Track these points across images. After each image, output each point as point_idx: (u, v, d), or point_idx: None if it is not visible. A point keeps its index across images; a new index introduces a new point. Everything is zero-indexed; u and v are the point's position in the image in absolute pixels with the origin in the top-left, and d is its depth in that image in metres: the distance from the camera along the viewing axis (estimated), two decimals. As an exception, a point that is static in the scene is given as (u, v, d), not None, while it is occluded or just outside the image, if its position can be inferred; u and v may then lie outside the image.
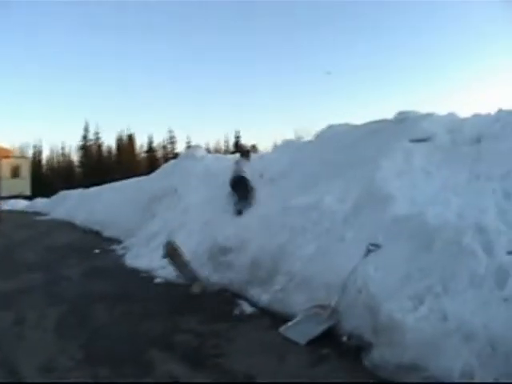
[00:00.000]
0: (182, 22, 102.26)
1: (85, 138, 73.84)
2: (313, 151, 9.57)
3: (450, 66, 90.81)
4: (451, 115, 8.08)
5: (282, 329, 5.45)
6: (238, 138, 73.24)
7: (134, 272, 9.25)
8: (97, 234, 16.06)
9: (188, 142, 70.17)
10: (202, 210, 10.34)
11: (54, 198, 32.89)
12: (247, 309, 6.39)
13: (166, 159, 64.05)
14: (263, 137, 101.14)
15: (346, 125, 9.91)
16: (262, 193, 9.26)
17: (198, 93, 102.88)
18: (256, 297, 6.56)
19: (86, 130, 73.01)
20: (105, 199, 19.26)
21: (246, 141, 65.32)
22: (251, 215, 8.54)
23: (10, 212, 30.85)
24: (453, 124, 7.67)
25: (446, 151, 7.06)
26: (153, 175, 16.52)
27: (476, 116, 7.81)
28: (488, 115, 7.61)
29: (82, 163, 74.30)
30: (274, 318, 5.92)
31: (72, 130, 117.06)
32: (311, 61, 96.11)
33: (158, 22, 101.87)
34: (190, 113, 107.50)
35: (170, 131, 75.84)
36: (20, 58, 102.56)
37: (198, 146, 14.34)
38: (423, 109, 8.77)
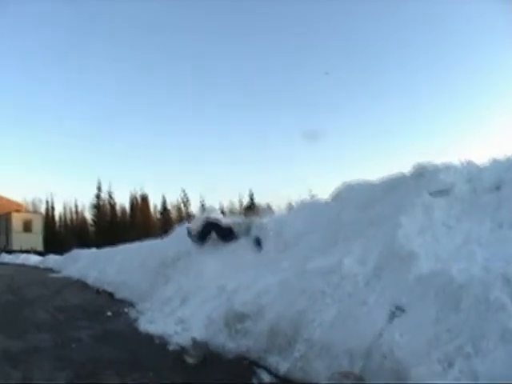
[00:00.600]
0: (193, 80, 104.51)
1: (98, 197, 74.85)
2: (329, 211, 9.49)
3: (460, 109, 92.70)
4: (469, 164, 7.86)
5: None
6: (251, 197, 73.32)
7: (148, 337, 9.06)
8: (109, 295, 15.84)
9: (201, 202, 70.72)
10: (217, 274, 10.31)
11: (66, 255, 32.49)
12: (266, 377, 6.24)
13: (180, 220, 64.57)
14: (277, 196, 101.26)
15: (363, 182, 9.72)
16: (278, 256, 9.26)
17: (211, 151, 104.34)
18: (275, 365, 6.42)
19: (99, 188, 74.08)
20: (118, 260, 19.14)
21: (260, 200, 65.81)
22: (266, 279, 8.47)
23: (22, 266, 30.82)
24: (471, 172, 7.53)
25: (465, 202, 6.98)
26: (166, 239, 16.52)
27: (494, 162, 7.62)
28: (507, 160, 7.45)
29: (95, 222, 75.03)
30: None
31: (85, 185, 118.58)
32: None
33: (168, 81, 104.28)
34: (203, 172, 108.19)
35: (184, 191, 76.24)
36: (33, 112, 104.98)
37: (212, 208, 14.43)
38: (436, 157, 8.70)
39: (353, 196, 9.32)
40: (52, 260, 34.87)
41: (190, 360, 7.12)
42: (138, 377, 6.52)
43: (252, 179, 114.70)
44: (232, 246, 11.41)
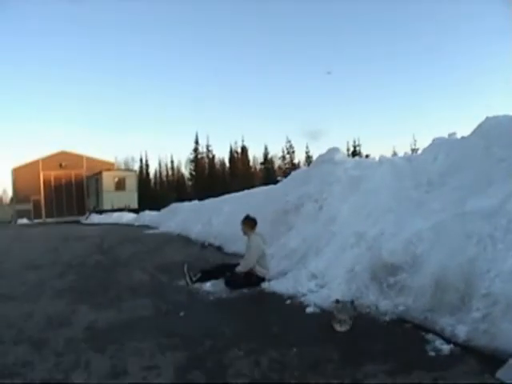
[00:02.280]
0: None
1: (195, 150, 75.99)
2: (475, 148, 8.52)
3: None
4: None
5: (499, 373, 4.38)
6: (356, 146, 72.32)
7: (276, 298, 8.18)
8: (217, 249, 15.43)
9: (307, 152, 70.57)
10: (353, 220, 9.38)
11: (163, 210, 33.03)
12: (443, 347, 5.25)
13: (285, 170, 64.67)
14: (381, 146, 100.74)
15: (508, 116, 8.74)
16: (423, 197, 8.41)
17: (317, 100, 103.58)
18: (449, 329, 5.49)
19: (197, 142, 75.26)
20: (226, 211, 18.65)
21: (363, 149, 64.81)
22: (415, 224, 7.49)
23: (114, 225, 31.53)
24: None
25: None
26: (281, 184, 15.75)
27: None
28: None
29: (193, 176, 76.32)
30: (482, 356, 4.85)
31: (180, 141, 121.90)
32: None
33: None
34: (308, 121, 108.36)
35: (288, 141, 76.13)
36: (130, 70, 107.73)
37: (336, 149, 13.31)
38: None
39: (501, 132, 8.32)
40: (148, 216, 35.44)
41: (338, 327, 6.18)
42: (277, 356, 5.46)
43: (356, 128, 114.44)
44: (366, 185, 10.33)
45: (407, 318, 6.17)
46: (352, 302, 6.57)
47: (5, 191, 66.30)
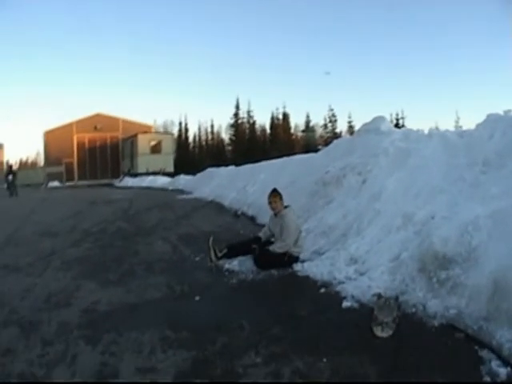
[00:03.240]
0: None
1: (236, 115, 76.36)
2: None
3: None
4: None
5: None
6: (399, 119, 71.16)
7: (308, 284, 7.25)
8: (250, 219, 14.61)
9: (350, 122, 70.00)
10: (399, 198, 8.49)
11: (199, 175, 32.56)
12: (500, 370, 4.25)
13: (326, 139, 63.85)
14: (423, 122, 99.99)
15: None
16: (480, 178, 7.42)
17: (361, 69, 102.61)
18: (507, 347, 4.48)
19: (238, 107, 75.55)
20: (261, 179, 18.03)
21: (409, 124, 63.63)
22: (471, 208, 6.50)
23: (146, 188, 31.41)
24: None
25: None
26: (323, 152, 14.91)
27: None
28: None
29: (233, 141, 76.80)
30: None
31: (222, 106, 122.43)
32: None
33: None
34: (351, 90, 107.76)
35: (331, 109, 75.54)
36: (168, 33, 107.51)
37: (382, 118, 12.36)
38: None
39: None
40: (183, 181, 35.27)
41: (380, 331, 5.22)
42: (303, 367, 4.57)
43: (400, 102, 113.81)
44: (415, 159, 9.42)
45: (459, 324, 5.17)
46: (396, 299, 5.73)
47: (39, 154, 66.72)
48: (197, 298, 6.73)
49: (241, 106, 77.56)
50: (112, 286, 7.48)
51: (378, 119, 12.32)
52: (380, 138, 11.18)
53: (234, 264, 8.45)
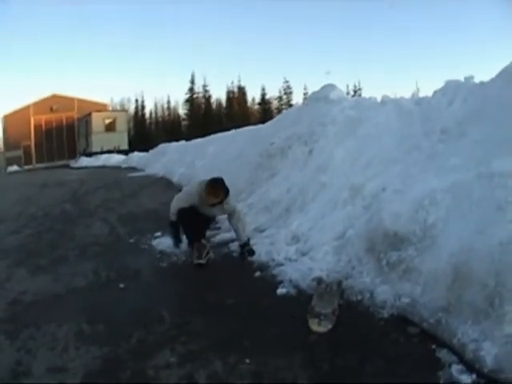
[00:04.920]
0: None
1: (191, 90, 77.01)
2: (500, 95, 6.56)
3: None
4: None
5: None
6: (356, 91, 71.28)
7: (242, 266, 6.65)
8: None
9: (305, 94, 69.93)
10: (348, 169, 7.73)
11: (152, 152, 32.12)
12: (462, 377, 3.40)
13: (281, 111, 63.36)
14: (383, 92, 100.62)
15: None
16: (437, 148, 6.58)
17: (315, 38, 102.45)
18: (470, 348, 3.62)
19: (193, 82, 76.06)
20: (210, 152, 17.59)
21: (366, 94, 63.51)
22: (427, 181, 5.62)
23: (100, 168, 31.32)
24: None
25: None
26: (271, 123, 14.10)
27: None
28: None
29: (189, 116, 77.22)
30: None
31: (178, 84, 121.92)
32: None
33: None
34: (306, 61, 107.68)
35: (286, 81, 75.96)
36: (121, 10, 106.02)
37: (332, 85, 11.61)
38: None
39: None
40: (136, 158, 35.06)
41: (316, 325, 4.43)
42: (221, 369, 3.96)
43: (357, 74, 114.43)
44: (366, 128, 8.64)
45: (413, 316, 4.34)
46: (339, 284, 5.01)
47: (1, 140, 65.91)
48: (121, 285, 6.28)
49: (196, 81, 78.09)
50: (42, 274, 7.17)
51: (328, 87, 11.51)
52: (329, 107, 10.36)
53: (167, 244, 7.90)
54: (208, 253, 6.98)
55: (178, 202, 7.16)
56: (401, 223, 5.11)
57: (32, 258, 8.17)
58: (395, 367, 3.68)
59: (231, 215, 7.05)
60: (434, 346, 3.87)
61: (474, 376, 3.39)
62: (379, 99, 9.90)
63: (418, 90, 68.70)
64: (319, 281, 4.96)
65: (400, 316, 4.44)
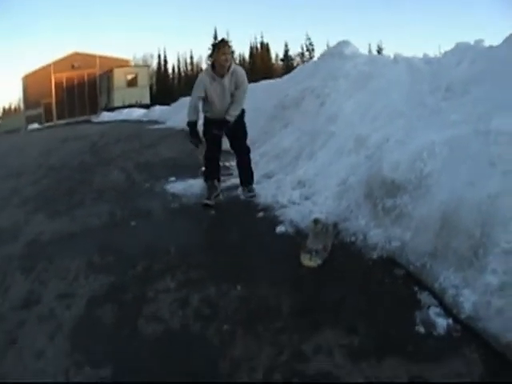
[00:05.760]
0: None
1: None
2: (506, 59, 6.63)
3: None
4: None
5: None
6: (379, 51, 70.05)
7: (248, 208, 6.86)
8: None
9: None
10: (356, 121, 7.83)
11: (174, 105, 31.95)
12: (438, 320, 3.54)
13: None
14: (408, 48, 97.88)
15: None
16: (440, 105, 6.58)
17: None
18: (450, 293, 3.75)
19: (215, 37, 74.68)
20: None
21: (389, 51, 62.36)
22: (427, 134, 5.67)
23: (121, 122, 31.67)
24: None
25: None
26: (287, 77, 14.34)
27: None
28: None
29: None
30: (487, 345, 3.21)
31: (201, 38, 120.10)
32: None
33: None
34: (329, 18, 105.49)
35: (308, 38, 74.45)
36: None
37: (346, 42, 11.64)
38: None
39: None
40: (158, 111, 34.61)
41: (307, 260, 4.66)
42: (214, 295, 4.34)
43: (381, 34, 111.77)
44: (377, 83, 8.71)
45: (401, 259, 4.49)
46: (335, 226, 5.25)
47: (21, 100, 65.48)
48: (133, 223, 6.71)
49: (219, 37, 75.83)
50: (59, 217, 7.58)
51: (343, 43, 11.63)
52: (343, 62, 10.46)
53: (180, 188, 8.31)
54: (218, 195, 7.23)
55: (193, 93, 7.22)
56: (399, 172, 5.23)
57: (50, 204, 8.51)
58: (376, 305, 3.85)
59: (237, 89, 7.14)
60: (416, 289, 4.01)
61: (450, 320, 3.51)
62: (403, 57, 9.98)
63: (440, 53, 67.50)
64: (316, 221, 5.08)
65: (389, 258, 4.59)
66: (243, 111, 7.39)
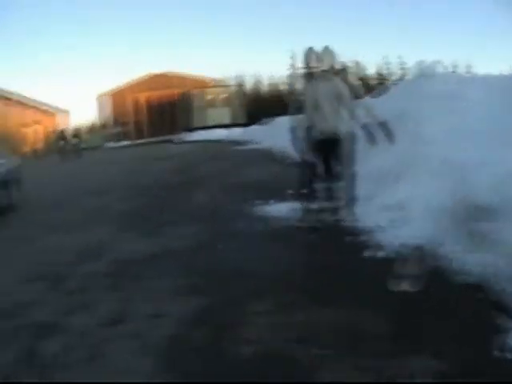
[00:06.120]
0: None
1: (292, 66, 74.79)
2: None
3: None
4: None
5: None
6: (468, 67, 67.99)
7: (345, 232, 6.62)
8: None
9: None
10: (445, 142, 7.61)
11: (259, 126, 31.95)
12: None
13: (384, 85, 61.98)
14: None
15: None
16: None
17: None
18: None
19: (293, 58, 73.63)
20: None
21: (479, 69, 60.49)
22: None
23: (204, 142, 31.99)
24: None
25: None
26: (382, 97, 13.85)
27: None
28: None
29: (292, 91, 75.21)
30: None
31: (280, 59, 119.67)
32: None
33: None
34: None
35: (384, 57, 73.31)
36: None
37: (436, 62, 11.62)
38: None
39: None
40: (242, 132, 34.92)
41: (396, 287, 4.48)
42: (303, 319, 4.20)
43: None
44: (465, 105, 8.51)
45: (493, 286, 4.24)
46: (424, 250, 5.15)
47: (99, 117, 67.20)
48: (220, 245, 6.68)
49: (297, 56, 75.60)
50: (144, 237, 7.69)
51: (432, 64, 11.65)
52: (432, 84, 10.29)
53: (268, 211, 8.40)
54: (313, 218, 7.07)
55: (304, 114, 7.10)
56: (493, 196, 5.11)
57: (136, 223, 8.76)
58: (466, 331, 3.67)
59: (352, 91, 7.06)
60: (499, 314, 3.78)
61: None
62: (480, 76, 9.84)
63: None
64: (406, 246, 5.10)
65: (481, 284, 4.37)
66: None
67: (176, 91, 56.16)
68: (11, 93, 48.02)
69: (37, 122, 51.35)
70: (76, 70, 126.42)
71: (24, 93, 50.58)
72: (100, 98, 59.50)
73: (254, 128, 34.75)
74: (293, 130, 7.37)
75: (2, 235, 9.38)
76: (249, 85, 72.19)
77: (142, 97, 56.72)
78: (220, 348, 3.81)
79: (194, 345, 3.94)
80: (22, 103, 49.43)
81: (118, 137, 55.17)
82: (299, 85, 7.23)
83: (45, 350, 4.11)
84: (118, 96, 56.95)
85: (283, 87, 75.53)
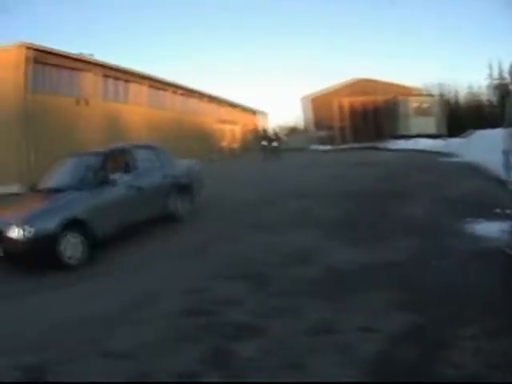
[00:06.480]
0: None
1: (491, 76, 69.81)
2: None
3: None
4: None
5: None
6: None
7: None
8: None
9: None
10: None
11: (466, 138, 29.74)
12: None
13: None
14: None
15: None
16: None
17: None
18: None
19: (490, 68, 68.66)
20: None
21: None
22: None
23: (410, 151, 31.65)
24: None
25: None
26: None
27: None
28: None
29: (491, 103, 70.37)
30: None
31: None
32: None
33: None
34: None
35: None
36: None
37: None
38: None
39: None
40: (449, 143, 32.65)
41: None
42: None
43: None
44: None
45: None
46: None
47: (300, 119, 68.29)
48: (433, 262, 6.50)
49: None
50: (354, 247, 7.62)
51: None
52: None
53: (483, 230, 7.91)
54: None
55: None
56: None
57: (344, 231, 8.69)
58: None
59: None
60: None
61: None
62: None
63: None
64: None
65: None
66: None
67: (379, 97, 55.62)
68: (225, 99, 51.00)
69: (234, 122, 53.75)
70: (272, 71, 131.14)
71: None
72: (306, 100, 60.85)
73: (455, 140, 33.29)
74: (505, 153, 7.00)
75: (202, 233, 9.86)
76: (449, 94, 69.69)
77: (346, 101, 56.76)
78: (427, 369, 3.72)
79: (397, 363, 3.87)
80: (220, 101, 53.76)
81: (322, 140, 55.67)
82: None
83: (238, 353, 4.25)
84: (324, 100, 57.54)
85: (482, 98, 72.21)
